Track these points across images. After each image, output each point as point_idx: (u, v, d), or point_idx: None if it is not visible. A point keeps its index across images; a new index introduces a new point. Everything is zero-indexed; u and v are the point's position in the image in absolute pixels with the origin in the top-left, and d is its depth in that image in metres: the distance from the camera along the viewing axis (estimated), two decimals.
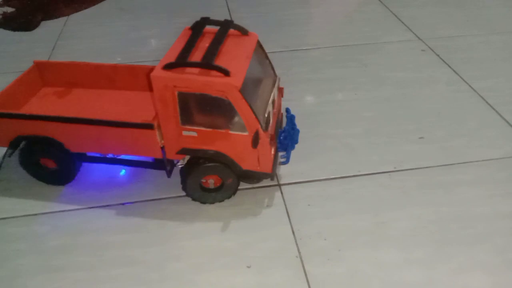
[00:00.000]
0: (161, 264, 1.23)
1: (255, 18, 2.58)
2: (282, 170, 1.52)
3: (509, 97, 1.86)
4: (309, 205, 1.40)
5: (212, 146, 1.26)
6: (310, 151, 1.60)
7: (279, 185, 1.47)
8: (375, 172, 1.51)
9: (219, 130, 1.23)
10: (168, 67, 1.18)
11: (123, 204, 1.41)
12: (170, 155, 1.31)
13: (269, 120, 1.29)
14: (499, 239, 1.29)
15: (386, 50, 2.24)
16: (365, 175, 1.50)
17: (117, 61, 2.18)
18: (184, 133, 1.25)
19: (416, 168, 1.53)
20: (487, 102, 1.84)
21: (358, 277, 1.20)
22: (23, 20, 2.53)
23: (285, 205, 1.40)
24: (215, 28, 1.32)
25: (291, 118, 1.39)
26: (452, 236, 1.30)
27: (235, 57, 1.24)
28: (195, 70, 1.17)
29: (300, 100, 1.87)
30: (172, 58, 1.20)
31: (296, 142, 1.36)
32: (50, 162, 1.42)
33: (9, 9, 2.65)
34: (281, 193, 1.44)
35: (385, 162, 1.54)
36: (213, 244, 1.28)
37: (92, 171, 1.53)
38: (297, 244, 1.28)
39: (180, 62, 1.18)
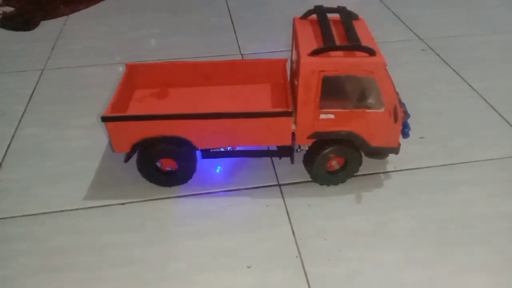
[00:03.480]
0: (161, 264, 1.23)
1: (255, 18, 2.58)
2: (282, 170, 1.51)
3: (509, 97, 1.86)
4: (309, 205, 1.40)
5: (346, 127, 1.31)
6: None
7: (279, 185, 1.46)
8: (375, 172, 1.51)
9: (356, 110, 1.29)
10: (316, 52, 1.23)
11: (123, 204, 1.41)
12: (301, 140, 1.35)
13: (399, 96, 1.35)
14: (499, 239, 1.29)
15: (386, 50, 2.22)
16: (365, 175, 1.50)
17: (116, 61, 2.18)
18: (322, 116, 1.29)
19: (416, 168, 1.53)
20: (487, 102, 1.84)
21: (358, 277, 1.20)
22: (23, 20, 2.52)
23: (285, 205, 1.40)
24: (329, 15, 1.39)
25: (404, 106, 1.43)
26: (452, 236, 1.30)
27: (366, 38, 1.30)
28: (339, 53, 1.24)
29: None
30: (311, 45, 1.25)
31: (409, 128, 1.40)
32: (171, 163, 1.39)
33: (9, 9, 2.65)
34: (281, 193, 1.44)
35: (385, 162, 1.54)
36: (213, 244, 1.28)
37: (93, 171, 1.53)
38: (297, 244, 1.28)
39: (330, 46, 1.23)
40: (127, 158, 1.38)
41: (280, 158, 1.51)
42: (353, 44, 1.24)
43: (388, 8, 2.66)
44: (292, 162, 1.43)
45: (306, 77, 1.23)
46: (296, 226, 1.33)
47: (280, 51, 2.23)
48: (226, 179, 1.48)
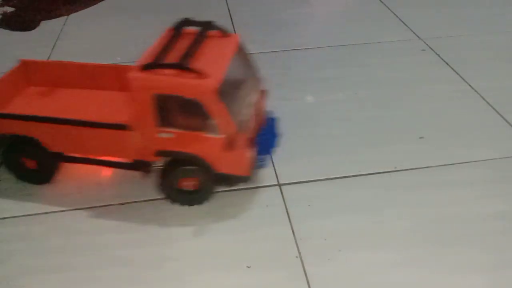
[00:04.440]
0: (161, 264, 1.23)
1: (255, 18, 2.58)
2: (282, 170, 1.52)
3: (509, 97, 1.86)
4: (309, 205, 1.39)
5: (188, 148, 1.25)
6: (310, 151, 1.60)
7: (279, 185, 1.46)
8: (375, 172, 1.51)
9: (195, 132, 1.22)
10: (146, 68, 1.18)
11: (123, 204, 1.41)
12: (148, 156, 1.30)
13: (247, 123, 1.28)
14: (498, 239, 1.29)
15: (386, 50, 2.23)
16: (365, 175, 1.50)
17: (117, 61, 2.18)
18: (160, 135, 1.24)
19: (416, 168, 1.53)
20: (487, 102, 1.84)
21: (358, 277, 1.19)
22: (23, 20, 2.52)
23: (285, 205, 1.40)
24: (196, 29, 1.32)
25: (271, 122, 1.40)
26: (452, 236, 1.30)
27: (214, 58, 1.24)
28: (173, 71, 1.17)
29: (300, 100, 1.87)
30: (150, 59, 1.21)
31: (273, 146, 1.36)
32: (31, 162, 1.42)
33: (9, 9, 2.65)
34: (281, 193, 1.44)
35: (385, 162, 1.54)
36: (213, 244, 1.28)
37: (93, 172, 1.53)
38: (297, 244, 1.28)
39: (157, 63, 1.18)
40: None
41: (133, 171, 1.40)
42: (178, 63, 1.17)
43: (388, 8, 2.65)
44: (144, 177, 1.37)
45: (136, 92, 1.19)
46: (296, 226, 1.33)
47: (280, 51, 2.23)
48: None
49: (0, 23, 2.53)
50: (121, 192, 1.45)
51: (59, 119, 1.30)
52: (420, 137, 1.66)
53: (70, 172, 1.53)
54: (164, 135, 1.23)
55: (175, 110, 1.22)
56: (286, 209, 1.38)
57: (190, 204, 1.37)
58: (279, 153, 1.57)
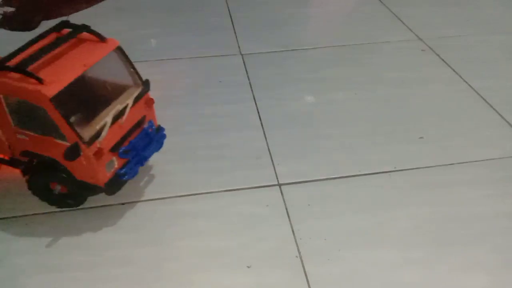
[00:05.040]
0: (161, 264, 1.23)
1: (255, 18, 2.58)
2: (282, 170, 1.52)
3: (509, 97, 1.86)
4: (309, 205, 1.40)
5: (47, 152, 1.24)
6: (310, 151, 1.60)
7: (279, 185, 1.46)
8: (375, 172, 1.51)
9: (46, 137, 1.21)
10: None
11: (122, 204, 1.41)
12: (16, 154, 1.30)
13: (101, 132, 1.22)
14: (498, 239, 1.29)
15: (386, 50, 2.24)
16: (365, 175, 1.50)
17: None
18: (19, 136, 1.24)
19: (416, 168, 1.53)
20: (487, 102, 1.84)
21: (358, 277, 1.20)
22: (23, 20, 2.52)
23: (285, 205, 1.40)
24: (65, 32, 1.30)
25: (145, 132, 1.36)
26: (452, 236, 1.30)
27: (70, 64, 1.21)
28: (12, 75, 1.16)
29: (300, 100, 1.87)
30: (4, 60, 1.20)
31: (144, 157, 1.34)
32: None
33: (9, 9, 2.65)
34: (281, 193, 1.44)
35: (385, 162, 1.54)
36: (213, 244, 1.28)
37: None
38: (297, 244, 1.28)
39: (1, 65, 1.17)
40: None
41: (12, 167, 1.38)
42: (16, 67, 1.14)
43: (388, 8, 2.65)
44: (23, 175, 1.34)
45: None
46: (296, 226, 1.33)
47: (280, 51, 2.23)
48: (225, 179, 1.48)
49: (0, 23, 2.53)
50: (121, 192, 1.44)
51: None
52: (420, 137, 1.66)
53: None
54: (20, 136, 1.24)
55: (26, 113, 1.20)
56: (286, 209, 1.39)
57: (59, 206, 1.37)
58: (279, 153, 1.57)
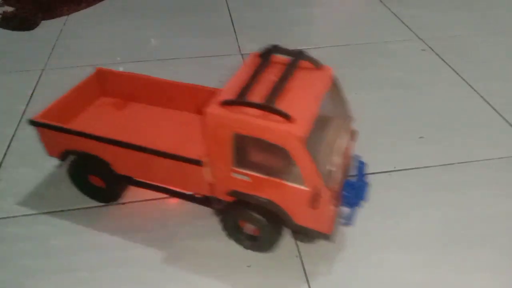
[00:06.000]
0: (162, 264, 1.23)
1: (255, 18, 2.58)
2: None
3: (509, 97, 1.86)
4: None
5: (265, 193, 1.11)
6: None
7: None
8: (375, 172, 1.51)
9: (274, 179, 1.08)
10: (226, 104, 1.04)
11: (123, 204, 1.41)
12: (220, 194, 1.19)
13: (334, 173, 1.11)
14: (501, 239, 1.29)
15: (386, 50, 2.24)
16: (365, 175, 1.49)
17: (117, 61, 2.18)
18: (235, 175, 1.11)
19: (416, 168, 1.53)
20: (487, 102, 1.84)
21: (358, 277, 1.20)
22: (23, 20, 2.52)
23: None
24: (284, 58, 1.17)
25: (360, 169, 1.22)
26: (452, 236, 1.30)
27: (304, 98, 1.08)
28: (257, 111, 1.03)
29: None
30: (232, 92, 1.07)
31: (362, 198, 1.17)
32: (98, 180, 1.36)
33: (9, 9, 2.65)
34: None
35: (385, 162, 1.54)
36: (213, 244, 1.28)
37: None
38: (297, 244, 1.28)
39: (239, 100, 1.04)
40: (59, 164, 1.38)
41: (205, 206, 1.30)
42: (264, 104, 1.01)
43: (388, 8, 2.66)
44: (217, 214, 1.29)
45: (213, 129, 1.06)
46: None
47: None
48: None
49: (0, 23, 2.53)
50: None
51: (127, 143, 1.21)
52: (420, 137, 1.66)
53: None
54: (239, 176, 1.11)
55: (255, 152, 1.10)
56: None
57: (248, 248, 1.26)
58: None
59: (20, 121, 1.78)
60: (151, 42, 2.37)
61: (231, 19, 2.58)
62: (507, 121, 1.73)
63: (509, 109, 1.79)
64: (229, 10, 2.68)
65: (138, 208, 1.40)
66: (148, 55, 2.22)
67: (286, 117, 1.00)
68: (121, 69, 2.10)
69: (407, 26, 2.45)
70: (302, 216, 1.12)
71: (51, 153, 1.37)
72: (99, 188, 1.37)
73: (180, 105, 1.49)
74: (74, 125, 1.35)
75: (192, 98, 1.46)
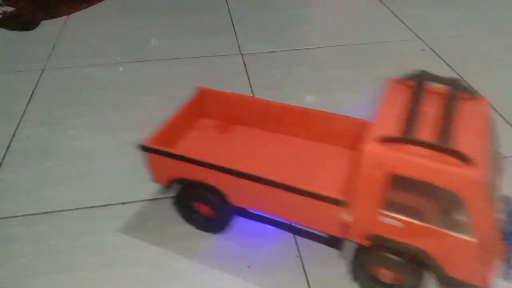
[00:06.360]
0: (162, 264, 1.23)
1: (255, 18, 2.58)
2: None
3: (509, 97, 1.86)
4: None
5: (417, 241, 1.00)
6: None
7: None
8: None
9: (435, 228, 0.96)
10: (389, 140, 0.94)
11: (123, 204, 1.41)
12: (356, 237, 1.07)
13: (500, 220, 0.98)
14: None
15: (386, 49, 2.24)
16: None
17: (117, 61, 2.18)
18: (383, 219, 1.00)
19: None
20: None
21: None
22: (23, 20, 2.52)
23: None
24: (436, 86, 1.07)
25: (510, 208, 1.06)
26: None
27: (472, 134, 0.96)
28: (419, 150, 0.92)
29: (301, 100, 1.86)
30: (388, 126, 0.98)
31: None
32: (206, 208, 1.26)
33: (9, 9, 2.65)
34: None
35: None
36: (213, 244, 1.28)
37: (93, 171, 1.53)
38: (297, 244, 1.28)
39: (407, 138, 0.93)
40: (165, 190, 1.29)
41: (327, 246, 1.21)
42: (438, 144, 0.90)
43: (388, 8, 2.66)
44: (340, 253, 1.19)
45: (368, 167, 0.96)
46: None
47: (281, 50, 2.23)
48: None
49: (0, 23, 2.53)
50: (121, 192, 1.45)
51: (252, 176, 1.11)
52: None
53: (71, 172, 1.53)
54: (388, 221, 1.00)
55: (412, 195, 1.00)
56: None
57: None
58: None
59: (20, 121, 1.78)
60: (151, 42, 2.37)
61: (231, 19, 2.58)
62: (507, 121, 1.73)
63: (509, 109, 1.79)
64: (229, 10, 2.68)
65: (138, 208, 1.40)
66: (148, 55, 2.22)
67: (464, 159, 0.88)
68: (121, 69, 2.11)
69: (407, 26, 2.45)
70: (456, 268, 1.00)
71: (157, 179, 1.28)
72: (207, 218, 1.28)
73: (290, 129, 1.37)
74: (179, 150, 1.23)
75: (304, 123, 1.35)
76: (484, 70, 2.05)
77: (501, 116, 1.76)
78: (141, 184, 1.45)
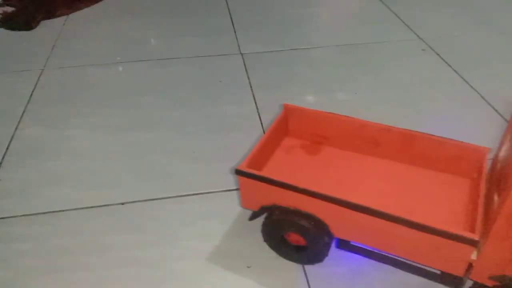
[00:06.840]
0: (162, 264, 1.23)
1: (255, 18, 2.58)
2: None
3: (509, 97, 1.86)
4: None
5: None
6: None
7: None
8: None
9: None
10: None
11: (123, 204, 1.41)
12: (479, 277, 1.00)
13: None
14: None
15: (386, 49, 2.24)
16: None
17: (116, 61, 2.18)
18: None
19: None
20: (487, 102, 1.84)
21: (358, 277, 1.19)
22: (23, 20, 2.52)
23: None
24: None
25: None
26: None
27: None
28: None
29: (301, 100, 1.87)
30: None
31: None
32: (299, 238, 1.16)
33: (9, 9, 2.65)
34: None
35: None
36: (213, 244, 1.28)
37: (93, 171, 1.53)
38: None
39: None
40: (253, 216, 1.20)
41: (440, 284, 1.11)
42: None
43: (388, 8, 2.66)
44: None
45: None
46: None
47: (281, 50, 2.23)
48: (225, 179, 1.48)
49: (0, 23, 2.53)
50: (121, 192, 1.45)
51: (361, 206, 1.01)
52: None
53: (71, 172, 1.53)
54: None
55: None
56: None
57: None
58: None
59: (19, 121, 1.78)
60: (151, 42, 2.37)
61: (231, 19, 2.58)
62: (507, 121, 1.73)
63: (509, 109, 1.79)
64: (229, 10, 2.68)
65: (138, 208, 1.40)
66: (148, 55, 2.22)
67: None
68: (120, 69, 2.11)
69: (407, 26, 2.45)
70: None
71: (247, 205, 1.20)
72: (299, 247, 1.18)
73: (389, 153, 1.27)
74: (268, 173, 1.15)
75: (406, 146, 1.24)
76: (484, 70, 2.05)
77: (501, 116, 1.76)
78: (141, 184, 1.45)
